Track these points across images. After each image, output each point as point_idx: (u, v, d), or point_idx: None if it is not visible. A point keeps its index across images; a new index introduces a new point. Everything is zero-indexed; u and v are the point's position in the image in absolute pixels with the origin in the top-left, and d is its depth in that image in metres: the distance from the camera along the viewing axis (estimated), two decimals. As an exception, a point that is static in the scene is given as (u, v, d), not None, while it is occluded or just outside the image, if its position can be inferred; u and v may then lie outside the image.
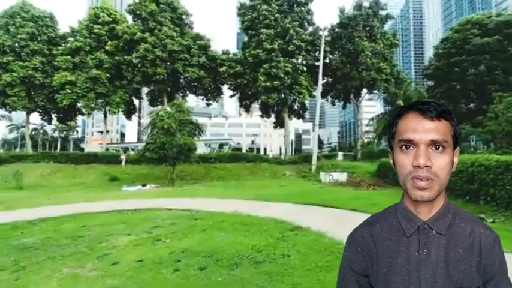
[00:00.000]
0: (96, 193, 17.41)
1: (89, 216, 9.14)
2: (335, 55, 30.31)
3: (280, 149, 50.53)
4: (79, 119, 49.86)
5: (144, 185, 20.59)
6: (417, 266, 0.77)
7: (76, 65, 26.16)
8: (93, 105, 26.25)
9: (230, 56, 28.35)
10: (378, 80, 28.67)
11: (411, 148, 0.76)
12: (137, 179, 23.45)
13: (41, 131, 62.28)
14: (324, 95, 34.16)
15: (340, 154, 33.38)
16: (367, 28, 29.06)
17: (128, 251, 5.56)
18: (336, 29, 29.37)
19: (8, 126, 59.95)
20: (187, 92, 31.13)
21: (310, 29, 28.78)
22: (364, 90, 32.25)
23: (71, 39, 28.22)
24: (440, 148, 0.75)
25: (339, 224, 7.04)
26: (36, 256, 5.30)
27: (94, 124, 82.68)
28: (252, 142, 66.64)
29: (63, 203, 12.51)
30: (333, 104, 34.52)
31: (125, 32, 25.74)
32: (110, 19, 27.55)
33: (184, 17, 28.27)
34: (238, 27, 29.52)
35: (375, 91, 31.16)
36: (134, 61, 25.67)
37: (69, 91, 25.49)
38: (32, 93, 28.02)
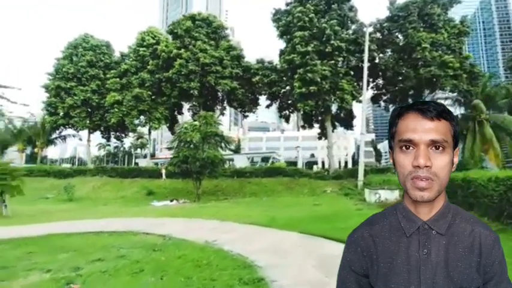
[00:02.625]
0: (121, 208, 17.60)
1: (61, 236, 8.47)
2: (385, 53, 26.35)
3: (323, 161, 46.34)
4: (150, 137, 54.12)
5: (171, 200, 20.25)
6: (417, 266, 0.76)
7: (123, 86, 28.21)
8: (137, 121, 27.81)
9: (265, 64, 27.05)
10: (441, 77, 23.66)
11: (411, 148, 0.75)
12: (171, 194, 23.39)
13: (109, 148, 70.01)
14: (374, 99, 30.00)
15: (397, 168, 28.34)
16: (425, 17, 24.53)
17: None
18: (385, 23, 25.58)
19: (97, 145, 69.29)
20: (224, 104, 30.78)
21: (354, 27, 25.67)
22: (427, 91, 27.14)
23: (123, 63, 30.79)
24: (440, 148, 0.75)
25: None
26: None
27: (162, 141, 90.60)
28: (312, 156, 63.14)
29: (75, 219, 12.53)
30: (386, 109, 29.97)
31: (163, 51, 26.87)
32: (154, 41, 29.24)
33: (219, 30, 28.32)
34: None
35: (440, 90, 25.86)
36: (171, 77, 26.36)
37: (117, 110, 27.48)
38: (91, 114, 31.18)
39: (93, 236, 8.59)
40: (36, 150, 35.98)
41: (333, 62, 23.19)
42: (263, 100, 31.26)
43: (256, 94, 29.97)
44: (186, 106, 32.85)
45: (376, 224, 0.85)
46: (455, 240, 0.78)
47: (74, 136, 36.92)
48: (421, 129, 0.75)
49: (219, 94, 29.90)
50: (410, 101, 28.63)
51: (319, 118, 28.74)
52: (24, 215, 14.68)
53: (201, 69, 26.15)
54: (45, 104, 30.66)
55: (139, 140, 69.57)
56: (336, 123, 30.73)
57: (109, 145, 71.55)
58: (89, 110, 30.96)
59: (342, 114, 29.85)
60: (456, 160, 0.81)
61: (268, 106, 29.57)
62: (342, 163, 58.60)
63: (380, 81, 28.01)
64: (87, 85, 30.12)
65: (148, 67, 27.56)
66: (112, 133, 34.71)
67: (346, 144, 64.83)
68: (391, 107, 30.39)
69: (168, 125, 30.79)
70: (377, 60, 26.44)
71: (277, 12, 26.32)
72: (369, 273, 0.83)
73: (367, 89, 25.74)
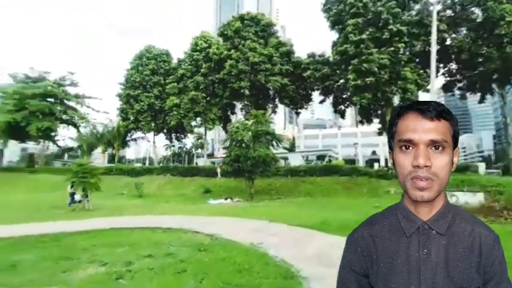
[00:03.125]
0: (179, 205, 18.73)
1: (124, 231, 9.23)
2: (459, 33, 22.71)
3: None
4: (207, 138, 57.55)
5: (226, 199, 20.82)
6: (417, 266, 0.77)
7: (180, 90, 30.15)
8: (193, 123, 29.46)
9: (316, 58, 25.87)
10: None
11: (411, 148, 0.76)
12: (226, 192, 24.11)
13: (174, 148, 75.88)
14: (447, 88, 26.22)
15: (481, 166, 24.15)
16: (511, -16, 20.36)
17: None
18: (457, -2, 22.06)
19: (164, 146, 76.47)
20: (276, 102, 30.48)
21: (417, 7, 22.75)
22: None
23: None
24: (440, 148, 0.75)
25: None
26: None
27: (219, 141, 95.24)
28: (374, 153, 58.95)
29: (140, 214, 13.75)
30: (462, 97, 25.94)
31: (214, 53, 27.84)
32: (206, 45, 30.55)
33: (267, 28, 28.12)
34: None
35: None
36: (222, 78, 27.16)
37: (176, 112, 29.51)
38: (155, 117, 34.17)
39: (149, 231, 9.18)
40: (114, 151, 41.09)
41: (392, 48, 20.89)
42: (316, 96, 30.06)
43: (308, 90, 28.95)
44: (238, 106, 33.58)
45: (376, 224, 0.85)
46: (455, 240, 0.78)
47: (142, 138, 41.02)
48: (421, 129, 0.75)
49: (270, 92, 29.75)
50: (494, 86, 24.25)
51: (379, 112, 26.34)
52: (102, 208, 16.67)
53: (251, 68, 26.32)
54: (119, 111, 34.64)
55: (199, 140, 74.04)
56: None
57: (174, 146, 78.03)
58: (153, 114, 33.94)
59: (405, 106, 26.87)
60: (456, 160, 0.80)
61: (321, 102, 28.29)
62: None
63: (453, 66, 24.35)
64: (151, 91, 33.06)
65: (202, 70, 28.89)
66: (173, 134, 37.52)
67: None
68: (470, 95, 26.21)
69: (222, 125, 31.90)
70: (448, 42, 22.96)
71: (327, 2, 24.92)
72: (369, 273, 0.83)
73: (437, 76, 22.56)
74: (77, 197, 17.11)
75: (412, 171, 0.74)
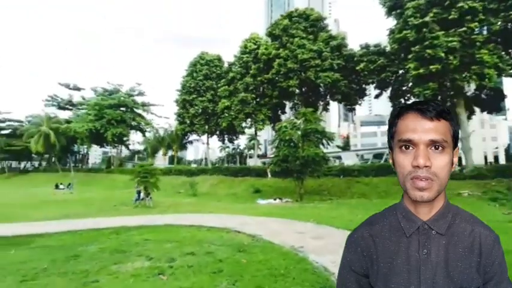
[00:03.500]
0: (229, 204, 19.18)
1: (174, 227, 9.72)
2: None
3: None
4: (261, 138, 58.57)
5: (275, 199, 20.63)
6: (417, 266, 0.77)
7: (231, 92, 31.03)
8: (244, 124, 30.01)
9: (370, 48, 23.92)
10: None
11: (411, 148, 0.76)
12: (276, 192, 23.92)
13: (228, 149, 78.63)
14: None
15: None
16: None
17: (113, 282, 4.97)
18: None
19: (219, 147, 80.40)
20: (327, 99, 29.13)
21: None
22: None
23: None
24: (440, 148, 0.75)
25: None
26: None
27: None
28: None
29: (188, 212, 14.46)
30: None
31: (263, 54, 27.90)
32: (255, 46, 30.87)
33: (317, 23, 27.07)
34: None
35: None
36: (271, 78, 27.05)
37: (227, 114, 30.46)
38: (208, 120, 35.88)
39: (195, 229, 9.49)
40: (173, 153, 44.51)
41: (464, 29, 18.05)
42: (371, 90, 27.85)
43: (362, 84, 26.97)
44: (288, 105, 33.14)
45: (376, 224, 0.85)
46: (455, 240, 0.78)
47: (197, 140, 43.45)
48: (421, 129, 0.75)
49: (321, 89, 28.58)
50: None
51: (448, 103, 23.09)
52: (160, 206, 18.04)
53: (300, 66, 25.62)
54: (176, 115, 37.33)
55: (252, 141, 75.53)
56: (475, 108, 24.00)
57: (228, 147, 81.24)
58: (207, 117, 35.67)
59: (482, 95, 23.05)
60: (456, 160, 0.80)
61: (377, 96, 26.07)
62: (489, 158, 45.87)
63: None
64: (204, 96, 34.81)
65: (251, 72, 29.24)
66: (226, 136, 38.88)
67: (495, 133, 50.25)
68: None
69: (272, 125, 31.85)
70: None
71: (383, -13, 22.82)
72: (369, 273, 0.83)
73: (525, 57, 18.80)
74: (142, 195, 18.81)
75: (412, 171, 0.74)
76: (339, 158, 35.57)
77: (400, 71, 22.74)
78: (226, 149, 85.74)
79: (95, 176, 44.33)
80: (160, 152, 48.60)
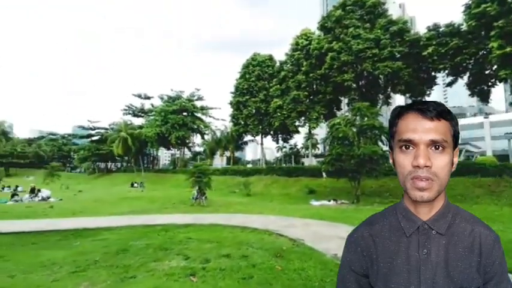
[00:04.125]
0: (281, 205, 18.76)
1: (219, 227, 9.78)
2: None
3: None
4: (319, 137, 56.97)
5: (329, 200, 19.47)
6: (417, 266, 0.77)
7: (283, 91, 30.60)
8: (297, 123, 29.24)
9: (441, 30, 20.75)
10: None
11: (411, 148, 0.76)
12: (331, 193, 22.65)
13: (286, 149, 78.15)
14: None
15: None
16: None
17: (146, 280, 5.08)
18: None
19: (276, 147, 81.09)
20: (388, 91, 26.35)
21: None
22: None
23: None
24: (440, 148, 0.75)
25: None
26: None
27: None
28: None
29: (236, 212, 14.56)
30: None
31: (315, 49, 26.73)
32: (307, 42, 29.87)
33: (374, 9, 24.72)
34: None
35: None
36: (324, 73, 25.74)
37: (279, 114, 30.12)
38: (262, 120, 36.12)
39: (239, 230, 9.39)
40: (229, 154, 46.13)
41: None
42: (443, 78, 24.21)
43: (431, 71, 23.64)
44: (345, 101, 31.17)
45: (376, 224, 0.85)
46: (455, 240, 0.78)
47: (252, 141, 44.13)
48: (421, 129, 0.75)
49: (380, 81, 26.06)
50: None
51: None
52: (213, 205, 18.69)
53: (355, 58, 23.74)
54: (231, 117, 38.55)
55: (309, 140, 73.64)
56: None
57: (285, 147, 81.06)
58: (260, 117, 35.93)
59: None
60: (456, 160, 0.80)
61: (450, 84, 22.52)
62: None
63: None
64: (257, 96, 35.15)
65: (303, 69, 28.35)
66: (280, 136, 38.60)
67: None
68: None
69: (327, 123, 30.38)
70: None
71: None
72: (369, 273, 0.83)
73: None
74: (197, 194, 19.79)
75: (412, 171, 0.74)
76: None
77: (480, 52, 19.21)
78: (284, 149, 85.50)
79: (163, 176, 48.81)
80: (218, 153, 50.88)
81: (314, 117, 28.49)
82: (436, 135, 0.74)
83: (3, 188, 30.84)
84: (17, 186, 29.47)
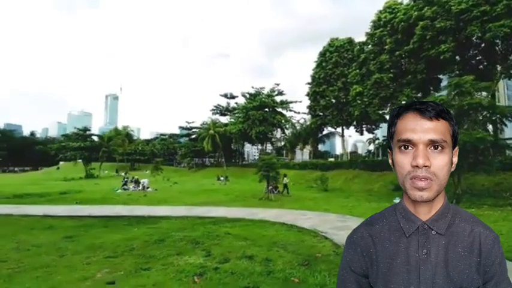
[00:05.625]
0: (357, 202, 16.58)
1: (267, 224, 9.12)
2: None
3: None
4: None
5: (419, 200, 16.05)
6: (417, 266, 0.77)
7: (363, 76, 27.21)
8: (379, 111, 25.42)
9: None
10: None
11: (410, 148, 0.76)
12: (424, 191, 18.80)
13: (379, 141, 70.40)
14: None
15: None
16: None
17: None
18: None
19: (367, 140, 74.86)
20: (509, 61, 19.77)
21: None
22: None
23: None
24: (439, 148, 0.75)
25: None
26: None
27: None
28: None
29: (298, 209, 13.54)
30: None
31: (401, 21, 22.52)
32: (391, 16, 25.65)
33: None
34: None
35: None
36: (413, 48, 21.47)
37: (359, 101, 26.94)
38: (341, 110, 33.26)
39: (285, 228, 8.57)
40: (309, 147, 44.49)
41: None
42: None
43: None
44: (445, 80, 25.36)
45: (375, 224, 0.85)
46: (455, 240, 0.78)
47: (332, 134, 41.32)
48: (420, 129, 0.75)
49: (497, 47, 19.85)
50: None
51: None
52: (285, 200, 18.16)
53: (455, 22, 18.76)
54: (308, 109, 36.97)
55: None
56: None
57: (378, 139, 73.37)
58: (339, 107, 33.14)
59: None
60: (456, 160, 0.80)
61: None
62: None
63: None
64: (335, 85, 32.48)
65: (386, 47, 24.45)
66: (364, 126, 34.79)
67: None
68: None
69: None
70: None
71: None
72: (369, 273, 0.83)
73: None
74: (269, 188, 19.54)
75: (411, 171, 0.74)
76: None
77: None
78: (377, 141, 77.38)
79: (247, 170, 51.27)
80: (298, 147, 49.90)
81: (402, 101, 24.20)
82: (435, 135, 0.73)
83: (126, 179, 38.11)
84: (133, 178, 35.89)
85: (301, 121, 47.41)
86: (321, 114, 34.69)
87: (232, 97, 67.22)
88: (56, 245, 7.01)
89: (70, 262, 5.73)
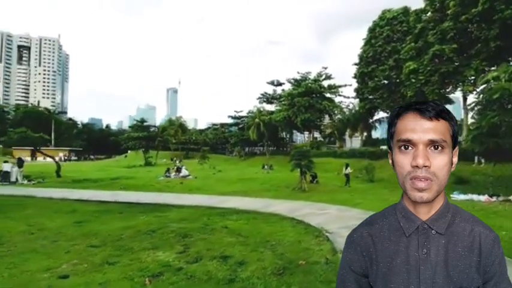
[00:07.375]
0: (399, 197, 14.28)
1: (282, 222, 8.19)
2: None
3: None
4: None
5: (491, 196, 13.09)
6: (416, 266, 0.78)
7: (420, 50, 23.41)
8: (438, 89, 21.47)
9: None
10: None
11: (410, 148, 0.78)
12: (493, 185, 15.37)
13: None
14: None
15: None
16: None
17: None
18: None
19: None
20: None
21: None
22: None
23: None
24: (439, 148, 0.76)
25: None
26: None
27: None
28: None
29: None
30: None
31: (467, -22, 18.41)
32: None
33: None
34: None
35: None
36: (483, 9, 17.44)
37: (414, 80, 23.34)
38: (393, 92, 29.51)
39: (289, 225, 7.59)
40: (358, 134, 41.00)
41: None
42: None
43: None
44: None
45: (375, 224, 0.85)
46: (455, 240, 0.78)
47: (385, 119, 37.23)
48: (420, 129, 0.75)
49: None
50: None
51: None
52: (320, 191, 16.82)
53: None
54: (355, 92, 33.77)
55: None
56: None
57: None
58: (392, 88, 29.43)
59: None
60: (455, 160, 0.80)
61: None
62: None
63: None
64: (386, 63, 28.83)
65: (449, 12, 20.41)
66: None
67: None
68: None
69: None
70: None
71: None
72: (368, 273, 0.83)
73: None
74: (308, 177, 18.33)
75: (411, 172, 0.74)
76: None
77: None
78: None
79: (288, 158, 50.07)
80: (347, 134, 46.55)
81: (469, 75, 20.12)
82: (435, 135, 0.74)
83: (172, 167, 40.50)
84: (175, 165, 37.87)
85: (350, 106, 43.83)
86: (370, 97, 31.34)
87: (279, 84, 65.76)
88: (60, 229, 7.29)
89: (55, 249, 5.78)
